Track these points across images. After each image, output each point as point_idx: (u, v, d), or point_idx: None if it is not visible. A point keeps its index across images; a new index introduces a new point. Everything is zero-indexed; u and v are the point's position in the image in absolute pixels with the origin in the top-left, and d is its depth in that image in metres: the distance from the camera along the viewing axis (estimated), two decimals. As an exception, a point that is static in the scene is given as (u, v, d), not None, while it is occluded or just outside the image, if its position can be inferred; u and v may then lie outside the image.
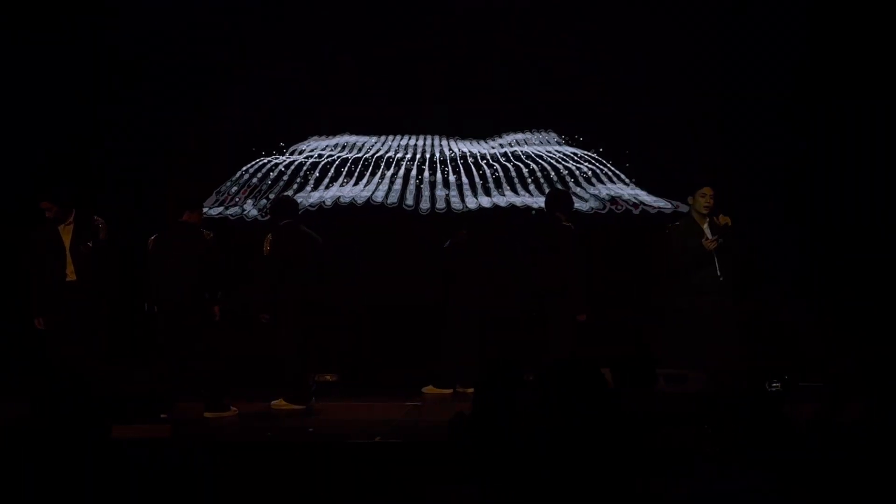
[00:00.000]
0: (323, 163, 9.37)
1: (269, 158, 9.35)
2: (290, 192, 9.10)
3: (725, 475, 3.26)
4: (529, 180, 9.24)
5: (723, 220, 6.97)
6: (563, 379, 3.23)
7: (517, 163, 9.40)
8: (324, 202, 9.22)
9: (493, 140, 9.54)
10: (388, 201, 9.19)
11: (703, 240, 6.98)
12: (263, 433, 6.47)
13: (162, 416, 6.73)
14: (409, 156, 9.47)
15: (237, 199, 9.11)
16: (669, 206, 9.08)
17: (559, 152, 9.50)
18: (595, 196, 9.13)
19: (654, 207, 9.12)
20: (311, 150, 9.52)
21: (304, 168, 9.35)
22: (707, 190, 7.08)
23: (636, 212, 9.17)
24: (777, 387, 4.87)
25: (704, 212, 7.07)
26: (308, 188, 9.25)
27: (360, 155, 9.50)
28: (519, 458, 3.28)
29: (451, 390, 8.44)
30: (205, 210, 7.98)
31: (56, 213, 6.98)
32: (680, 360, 7.06)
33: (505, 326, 8.56)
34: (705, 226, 7.08)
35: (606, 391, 3.23)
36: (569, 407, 3.18)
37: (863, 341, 8.28)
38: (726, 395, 4.97)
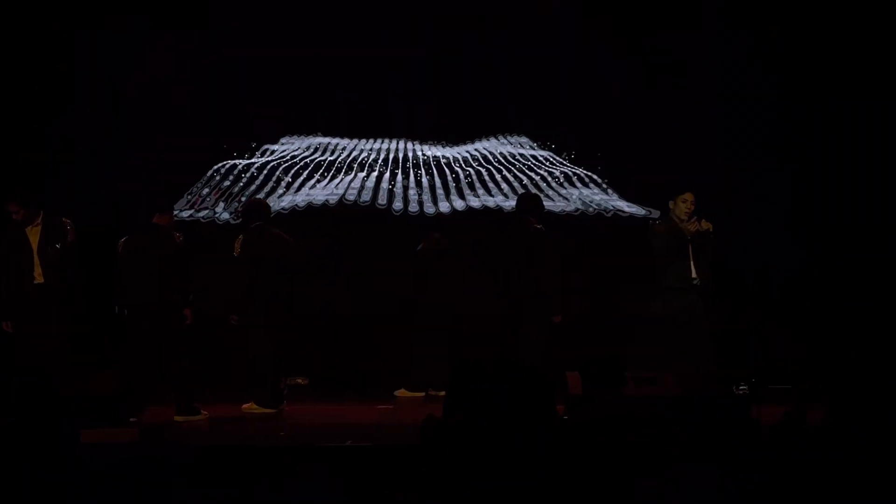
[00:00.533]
0: (296, 166, 9.34)
1: (240, 161, 9.31)
2: (261, 195, 9.07)
3: (694, 476, 3.30)
4: (502, 184, 9.26)
5: (705, 225, 7.01)
6: (502, 384, 3.26)
7: (489, 166, 9.42)
8: (296, 205, 9.20)
9: (465, 145, 9.56)
10: (361, 202, 9.18)
11: (687, 222, 6.97)
12: (236, 437, 6.44)
13: (131, 419, 6.69)
14: (381, 158, 9.46)
15: (207, 202, 9.05)
16: (642, 211, 9.13)
17: (531, 156, 9.53)
18: (567, 199, 9.17)
19: (626, 212, 9.16)
20: (283, 152, 9.49)
21: (277, 171, 9.32)
22: (688, 196, 7.10)
23: (608, 215, 9.22)
24: (744, 390, 4.92)
25: (684, 217, 7.10)
26: (280, 190, 9.22)
27: (332, 157, 9.48)
28: (490, 460, 3.30)
29: (423, 393, 8.44)
30: (175, 212, 7.93)
31: (23, 216, 6.92)
32: (651, 363, 7.12)
33: (476, 329, 8.58)
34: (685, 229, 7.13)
35: (546, 398, 3.26)
36: (508, 413, 3.21)
37: (829, 346, 8.39)
38: (695, 397, 5.02)
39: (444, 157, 9.45)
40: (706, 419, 4.47)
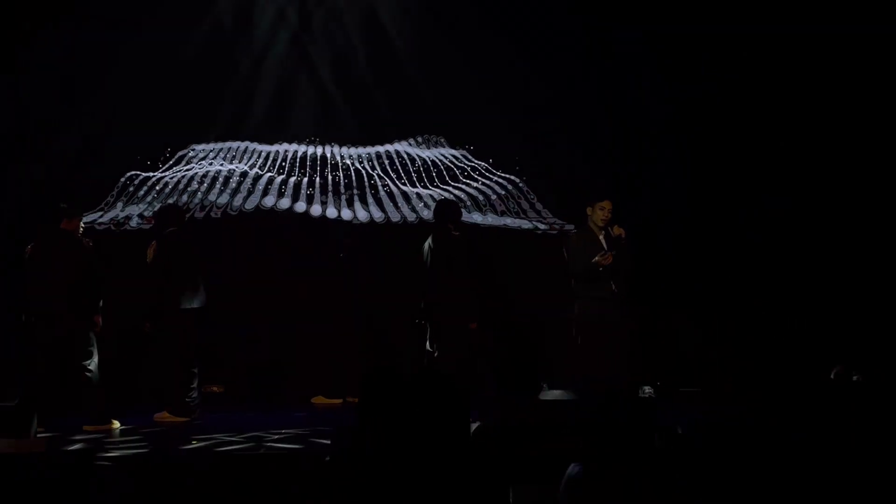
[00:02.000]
0: (212, 174, 9.23)
1: (154, 173, 9.15)
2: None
3: (598, 481, 3.35)
4: (424, 198, 9.28)
5: (617, 230, 7.10)
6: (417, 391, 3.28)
7: (407, 182, 9.42)
8: (212, 211, 9.08)
9: (382, 147, 9.55)
10: (277, 207, 9.11)
11: (598, 256, 7.04)
12: (150, 446, 6.32)
13: (38, 429, 6.51)
14: (297, 162, 9.40)
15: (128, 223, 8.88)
16: (555, 227, 9.20)
17: (451, 157, 9.56)
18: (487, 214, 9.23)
19: (541, 230, 9.25)
20: (199, 160, 9.35)
21: (193, 181, 9.19)
22: (606, 203, 7.17)
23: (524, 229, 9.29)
24: (650, 393, 5.00)
25: (601, 224, 7.18)
26: (197, 200, 9.09)
27: (248, 163, 9.39)
28: (401, 471, 3.30)
29: (340, 400, 8.41)
30: (85, 219, 7.74)
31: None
32: (566, 369, 7.21)
33: (391, 336, 8.60)
34: (601, 237, 7.21)
35: (460, 407, 3.28)
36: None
37: (740, 349, 8.61)
38: (601, 401, 5.09)
39: (361, 165, 9.43)
40: (611, 424, 4.53)
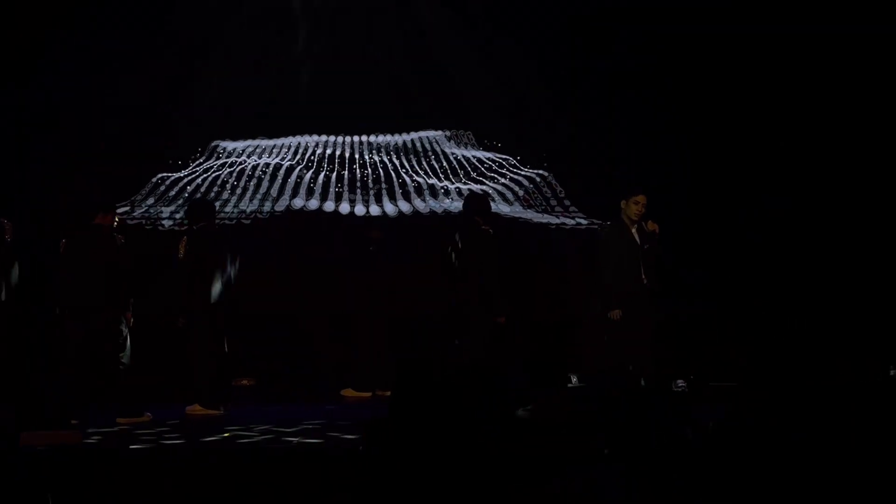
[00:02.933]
0: (243, 172, 9.29)
1: (183, 172, 9.22)
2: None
3: (630, 477, 3.35)
4: (451, 192, 9.29)
5: (651, 226, 7.10)
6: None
7: (435, 174, 9.44)
8: (242, 216, 9.16)
9: (408, 135, 9.56)
10: (307, 208, 9.16)
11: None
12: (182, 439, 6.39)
13: (73, 422, 6.60)
14: (326, 160, 9.44)
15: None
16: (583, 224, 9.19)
17: (477, 158, 9.58)
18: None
19: (568, 225, 9.23)
20: (228, 157, 9.42)
21: (224, 180, 9.26)
22: (640, 198, 7.17)
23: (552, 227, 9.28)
24: (683, 386, 4.99)
25: (635, 218, 7.18)
26: (226, 199, 9.17)
27: (277, 160, 9.44)
28: (435, 462, 3.32)
29: (370, 393, 8.44)
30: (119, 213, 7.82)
31: (-40, 215, 6.80)
32: (596, 363, 7.21)
33: (421, 329, 8.61)
34: (634, 230, 7.21)
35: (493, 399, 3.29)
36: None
37: (768, 344, 8.56)
38: (634, 396, 5.08)
39: (389, 159, 9.45)
40: (644, 418, 4.53)
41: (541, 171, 9.42)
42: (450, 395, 3.63)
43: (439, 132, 9.55)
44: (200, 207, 7.75)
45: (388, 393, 8.08)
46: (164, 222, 8.97)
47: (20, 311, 7.03)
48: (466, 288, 7.54)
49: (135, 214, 8.96)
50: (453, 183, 9.34)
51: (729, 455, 4.42)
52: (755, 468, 4.33)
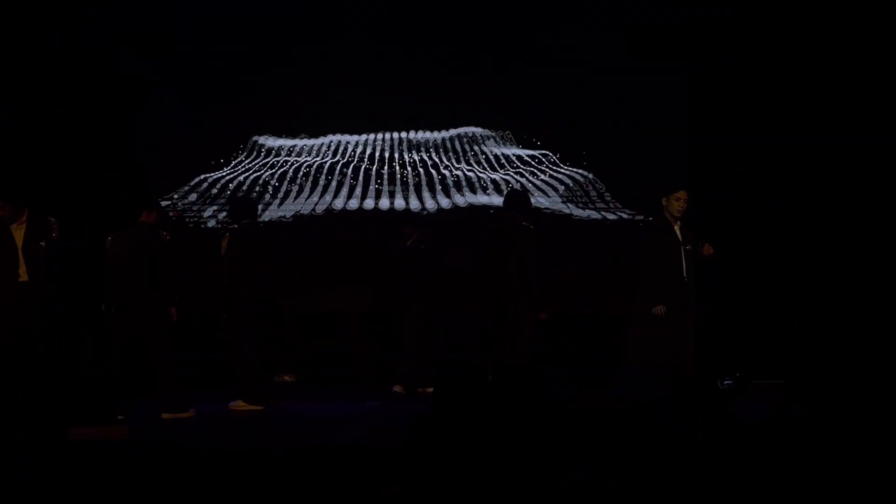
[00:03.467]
0: (283, 173, 9.34)
1: (224, 170, 9.29)
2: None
3: (674, 473, 3.33)
4: (488, 185, 9.28)
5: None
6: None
7: (474, 168, 9.43)
8: (284, 216, 9.22)
9: (449, 131, 9.55)
10: (348, 207, 9.20)
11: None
12: (223, 434, 6.45)
13: (119, 417, 6.69)
14: (366, 157, 9.46)
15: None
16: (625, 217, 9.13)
17: (516, 156, 9.56)
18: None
19: (609, 220, 9.17)
20: (271, 156, 9.47)
21: (264, 181, 9.31)
22: (681, 194, 7.12)
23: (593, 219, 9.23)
24: (729, 384, 4.94)
25: (677, 215, 7.13)
26: (271, 200, 9.23)
27: (318, 160, 9.48)
28: (478, 460, 3.32)
29: (401, 389, 8.48)
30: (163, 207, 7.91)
31: (8, 213, 6.85)
32: (639, 361, 7.16)
33: (461, 327, 8.61)
34: (676, 227, 7.17)
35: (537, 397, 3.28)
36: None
37: (811, 343, 8.47)
38: (679, 394, 5.05)
39: (429, 158, 9.46)
40: (688, 416, 4.51)
41: (581, 171, 9.38)
42: (492, 394, 3.63)
43: (479, 129, 9.54)
44: (243, 205, 7.82)
45: (430, 390, 8.14)
46: (207, 222, 9.05)
47: (66, 310, 7.12)
48: (506, 284, 7.53)
49: (177, 207, 9.04)
50: (492, 175, 9.32)
51: (774, 453, 4.38)
52: (800, 466, 4.29)
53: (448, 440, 3.73)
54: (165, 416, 7.01)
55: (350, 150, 9.53)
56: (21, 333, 6.84)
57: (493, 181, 9.30)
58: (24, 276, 6.86)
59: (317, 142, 9.56)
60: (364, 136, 9.56)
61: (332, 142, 9.58)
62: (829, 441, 4.66)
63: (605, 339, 8.58)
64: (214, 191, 9.25)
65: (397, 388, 8.48)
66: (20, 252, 6.86)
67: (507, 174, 9.34)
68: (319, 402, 7.94)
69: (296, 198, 9.25)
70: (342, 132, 9.61)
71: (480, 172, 9.31)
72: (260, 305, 7.46)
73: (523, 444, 3.89)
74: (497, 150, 9.52)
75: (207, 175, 9.28)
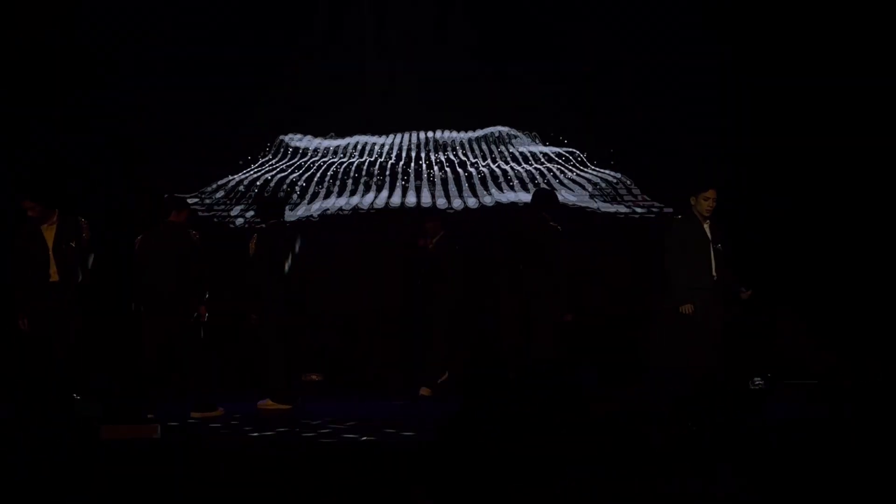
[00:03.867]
0: (311, 172, 9.36)
1: (250, 169, 9.32)
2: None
3: (708, 473, 3.31)
4: (514, 182, 9.26)
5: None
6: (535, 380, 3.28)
7: (501, 163, 9.41)
8: (311, 215, 9.25)
9: (475, 132, 9.54)
10: (375, 206, 9.21)
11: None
12: (253, 432, 6.48)
13: (149, 416, 6.73)
14: (392, 156, 9.47)
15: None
16: (654, 210, 9.08)
17: (543, 154, 9.53)
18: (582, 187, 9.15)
19: (638, 213, 9.12)
20: (297, 156, 9.50)
21: (293, 181, 9.34)
22: (710, 193, 7.06)
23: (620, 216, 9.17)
24: (760, 384, 4.90)
25: (706, 214, 7.09)
26: (295, 200, 9.26)
27: (345, 160, 9.50)
28: (508, 459, 3.32)
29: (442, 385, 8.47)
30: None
31: (39, 214, 6.90)
32: (667, 360, 7.12)
33: (486, 326, 8.60)
34: (706, 225, 7.13)
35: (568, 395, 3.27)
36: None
37: (847, 343, 8.38)
38: (709, 393, 5.02)
39: (455, 154, 9.45)
40: (720, 415, 4.48)
41: (609, 172, 9.34)
42: (521, 393, 3.62)
43: (505, 128, 9.52)
44: (270, 205, 7.85)
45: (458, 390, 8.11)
46: (235, 221, 9.09)
47: (98, 310, 7.19)
48: (532, 285, 7.51)
49: (205, 202, 9.09)
50: (516, 169, 9.30)
51: (808, 453, 4.35)
52: (834, 465, 4.25)
53: (474, 439, 3.72)
54: (194, 414, 7.05)
55: (377, 149, 9.54)
56: (52, 333, 6.90)
57: (520, 177, 9.27)
58: (54, 277, 6.92)
59: (343, 142, 9.58)
60: (391, 137, 9.57)
61: (357, 142, 9.60)
62: (859, 441, 4.62)
63: (631, 338, 8.54)
64: (241, 189, 9.28)
65: (424, 391, 8.45)
66: (51, 252, 6.92)
67: (535, 168, 9.31)
68: (347, 401, 7.95)
69: (325, 198, 9.27)
70: (369, 132, 9.63)
71: (506, 166, 9.29)
72: (288, 304, 7.48)
73: (523, 444, 3.88)
74: (524, 148, 9.49)
75: (232, 176, 9.32)
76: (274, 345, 7.46)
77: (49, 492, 4.69)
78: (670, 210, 8.52)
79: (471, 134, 9.51)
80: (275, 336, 7.46)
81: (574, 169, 9.41)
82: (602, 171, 9.39)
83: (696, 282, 6.96)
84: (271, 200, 8.02)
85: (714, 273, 6.99)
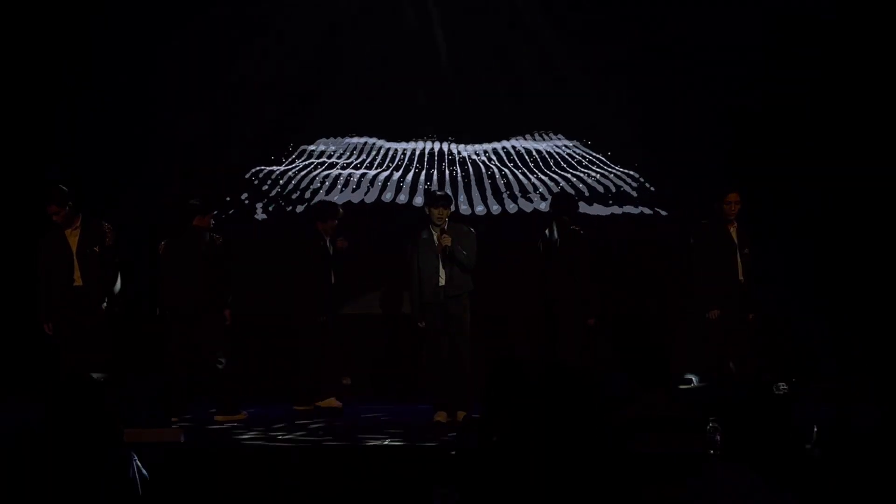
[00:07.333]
0: (334, 167, 9.37)
1: (277, 167, 9.34)
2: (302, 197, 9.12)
3: (732, 477, 3.27)
4: (539, 187, 9.21)
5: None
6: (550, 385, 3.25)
7: (524, 169, 9.37)
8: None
9: (499, 143, 9.51)
10: (397, 201, 9.19)
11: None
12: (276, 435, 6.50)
13: (173, 420, 6.77)
14: (416, 156, 9.46)
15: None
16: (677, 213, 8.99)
17: (568, 154, 9.46)
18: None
19: (663, 214, 9.04)
20: (320, 154, 9.51)
21: (315, 175, 9.35)
22: (732, 196, 7.07)
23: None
24: (784, 389, 4.86)
25: (731, 217, 7.07)
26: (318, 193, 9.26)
27: (368, 159, 9.50)
28: (533, 465, 3.29)
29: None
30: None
31: (63, 218, 6.92)
32: (693, 363, 7.08)
33: (511, 330, 8.56)
34: (732, 230, 7.10)
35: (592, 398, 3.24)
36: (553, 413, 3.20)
37: (871, 346, 8.28)
38: (735, 397, 4.97)
39: (479, 157, 9.42)
40: (745, 419, 4.43)
41: (631, 172, 9.27)
42: (544, 396, 3.59)
43: (530, 140, 9.47)
44: (328, 209, 7.85)
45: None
46: (256, 215, 9.09)
47: (123, 314, 7.22)
48: (555, 288, 7.47)
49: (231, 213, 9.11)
50: (540, 177, 9.25)
51: (836, 458, 4.29)
52: (862, 471, 4.19)
53: (498, 442, 3.69)
54: (218, 418, 7.07)
55: (398, 156, 9.54)
56: (77, 337, 6.92)
57: (543, 182, 9.22)
58: (78, 281, 6.95)
59: (370, 142, 9.57)
60: (413, 143, 9.56)
61: (381, 146, 9.60)
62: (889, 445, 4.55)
63: (657, 341, 8.46)
64: (265, 186, 9.28)
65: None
66: (75, 257, 6.95)
67: (557, 173, 9.26)
68: (375, 404, 7.94)
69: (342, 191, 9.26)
70: (392, 138, 9.62)
71: (530, 175, 9.24)
72: (319, 308, 7.51)
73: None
74: (543, 147, 9.44)
75: (261, 168, 9.30)
76: (312, 349, 7.48)
77: (74, 495, 4.72)
78: (698, 214, 8.45)
79: (494, 145, 9.48)
80: (313, 340, 7.47)
81: (598, 169, 9.33)
82: (623, 170, 9.31)
83: (722, 287, 6.92)
84: (318, 207, 8.07)
85: (741, 277, 6.96)
